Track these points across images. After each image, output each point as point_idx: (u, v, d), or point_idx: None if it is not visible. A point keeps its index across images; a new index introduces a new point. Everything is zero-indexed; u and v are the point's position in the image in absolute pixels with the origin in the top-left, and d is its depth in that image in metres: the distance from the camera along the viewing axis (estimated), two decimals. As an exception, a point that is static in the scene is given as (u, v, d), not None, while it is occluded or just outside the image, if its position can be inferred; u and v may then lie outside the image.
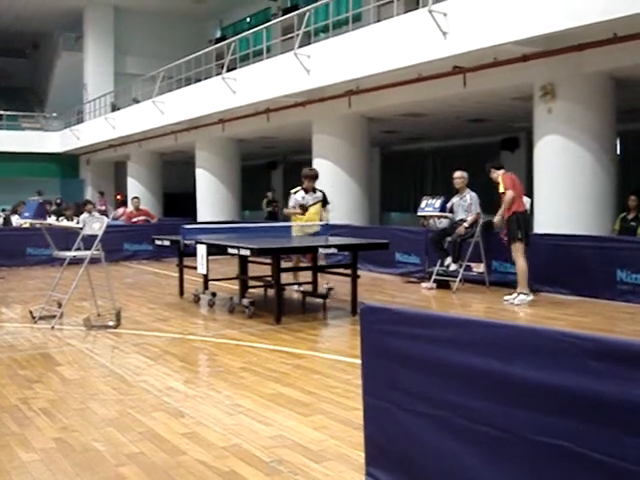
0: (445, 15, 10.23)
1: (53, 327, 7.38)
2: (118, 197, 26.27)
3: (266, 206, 20.63)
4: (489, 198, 10.73)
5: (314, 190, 9.87)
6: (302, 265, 9.53)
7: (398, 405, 2.78)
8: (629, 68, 9.67)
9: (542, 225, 10.48)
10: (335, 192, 14.62)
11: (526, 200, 9.51)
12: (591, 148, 10.08)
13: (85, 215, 15.01)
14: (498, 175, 9.03)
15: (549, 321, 7.59)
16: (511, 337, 2.37)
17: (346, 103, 14.09)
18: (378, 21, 12.54)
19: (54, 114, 29.75)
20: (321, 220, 9.76)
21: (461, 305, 9.08)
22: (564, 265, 9.32)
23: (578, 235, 9.51)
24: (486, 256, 10.02)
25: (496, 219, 8.97)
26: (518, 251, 8.78)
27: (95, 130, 24.57)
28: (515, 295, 8.84)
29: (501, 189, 8.78)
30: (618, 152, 11.62)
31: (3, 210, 21.13)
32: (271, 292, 8.69)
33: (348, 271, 8.28)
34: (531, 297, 8.81)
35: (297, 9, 16.71)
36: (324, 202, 9.95)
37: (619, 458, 2.04)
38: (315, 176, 9.94)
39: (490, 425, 2.42)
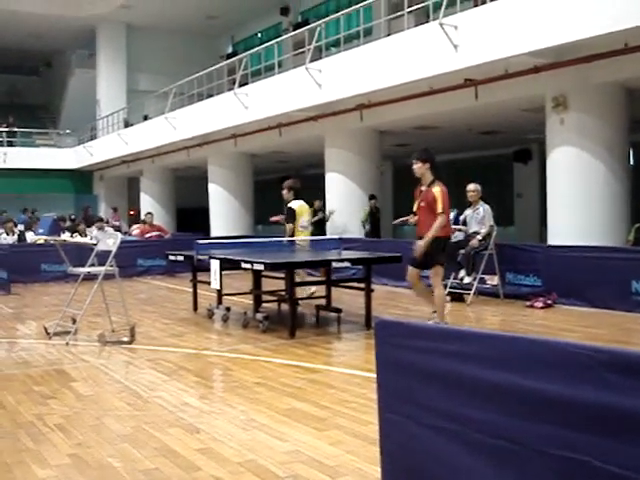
0: (456, 28, 10.26)
1: (67, 343, 7.40)
2: (131, 212, 26.42)
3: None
4: (502, 209, 10.71)
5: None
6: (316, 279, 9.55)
7: (414, 419, 2.77)
8: (641, 78, 9.66)
9: (556, 236, 10.45)
10: (347, 205, 14.68)
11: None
12: (604, 158, 10.05)
13: (96, 231, 15.11)
14: (428, 175, 7.93)
15: (565, 333, 7.54)
16: (527, 350, 2.35)
17: (358, 117, 14.12)
18: (389, 35, 12.59)
19: (67, 131, 30.04)
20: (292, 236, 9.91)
21: (476, 318, 9.04)
22: (579, 276, 9.27)
23: (592, 246, 9.47)
24: (500, 268, 9.98)
25: (421, 244, 7.45)
26: (438, 276, 7.62)
27: (108, 146, 24.77)
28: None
29: (439, 209, 7.44)
30: (631, 162, 11.57)
31: (33, 212, 21.61)
32: (285, 306, 8.68)
33: (362, 285, 8.27)
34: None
35: (308, 24, 16.80)
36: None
37: (638, 472, 2.02)
38: (286, 187, 10.22)
39: (507, 439, 2.40)
